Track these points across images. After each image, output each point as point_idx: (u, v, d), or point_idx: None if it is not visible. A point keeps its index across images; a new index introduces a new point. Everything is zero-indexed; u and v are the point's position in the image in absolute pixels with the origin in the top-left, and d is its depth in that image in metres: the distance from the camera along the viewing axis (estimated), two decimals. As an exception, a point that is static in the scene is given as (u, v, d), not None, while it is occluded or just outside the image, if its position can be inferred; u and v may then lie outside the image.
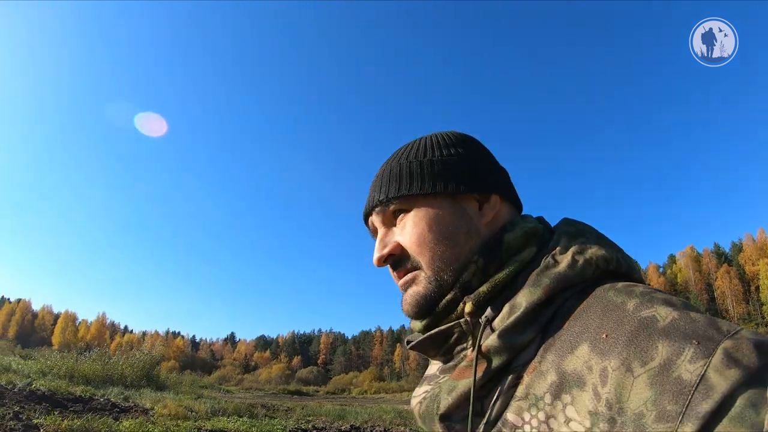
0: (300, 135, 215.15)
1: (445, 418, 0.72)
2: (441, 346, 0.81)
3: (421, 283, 0.81)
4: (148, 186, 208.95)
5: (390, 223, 0.86)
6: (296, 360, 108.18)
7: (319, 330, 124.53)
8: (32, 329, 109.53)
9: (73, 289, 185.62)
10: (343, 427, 13.23)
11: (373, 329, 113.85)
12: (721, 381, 0.49)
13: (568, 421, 0.60)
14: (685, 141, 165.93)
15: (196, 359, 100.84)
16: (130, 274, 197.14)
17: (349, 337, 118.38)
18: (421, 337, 0.81)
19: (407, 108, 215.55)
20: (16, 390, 12.13)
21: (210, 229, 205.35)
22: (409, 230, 0.82)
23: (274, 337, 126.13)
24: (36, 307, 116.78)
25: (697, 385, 0.50)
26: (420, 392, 0.83)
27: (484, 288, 0.75)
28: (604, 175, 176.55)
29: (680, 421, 0.49)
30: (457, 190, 0.81)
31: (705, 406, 0.49)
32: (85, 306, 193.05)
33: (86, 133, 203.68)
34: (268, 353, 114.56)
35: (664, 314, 0.58)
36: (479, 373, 0.70)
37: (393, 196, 0.83)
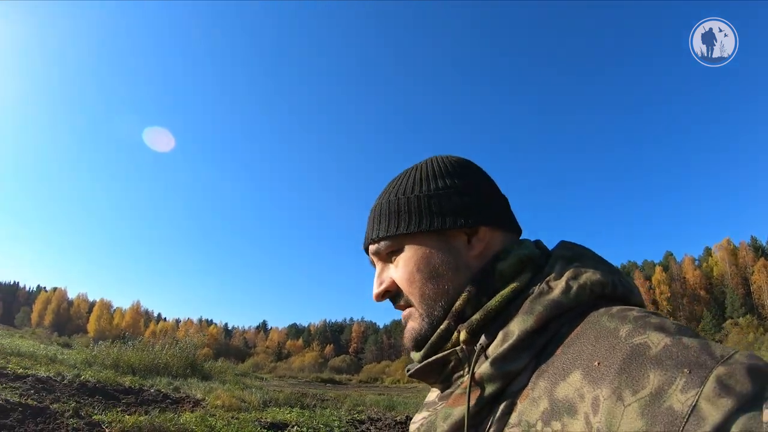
0: (319, 123, 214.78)
1: None
2: (439, 374, 0.82)
3: (416, 320, 0.84)
4: (177, 177, 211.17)
5: (385, 258, 0.89)
6: (328, 348, 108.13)
7: (351, 319, 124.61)
8: (68, 317, 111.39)
9: (107, 278, 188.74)
10: (398, 418, 12.71)
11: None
12: (713, 411, 0.48)
13: None
14: (717, 134, 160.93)
15: (230, 347, 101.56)
16: (163, 263, 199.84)
17: (381, 327, 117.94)
18: (419, 365, 0.83)
19: (408, 88, 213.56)
20: (65, 382, 11.84)
21: (239, 217, 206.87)
22: (400, 269, 0.85)
23: (306, 326, 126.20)
24: (71, 295, 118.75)
25: (689, 416, 0.49)
26: (418, 418, 0.85)
27: (477, 316, 0.76)
28: (636, 168, 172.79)
29: None
30: (443, 226, 0.83)
31: None
32: (119, 294, 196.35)
33: (116, 129, 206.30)
34: (300, 341, 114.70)
35: (657, 341, 0.57)
36: (473, 401, 0.71)
37: (383, 236, 0.86)
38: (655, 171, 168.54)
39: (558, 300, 0.71)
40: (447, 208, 0.83)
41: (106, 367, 16.98)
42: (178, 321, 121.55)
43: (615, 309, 0.68)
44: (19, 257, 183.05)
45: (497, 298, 0.76)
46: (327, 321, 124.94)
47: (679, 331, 0.59)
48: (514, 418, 0.67)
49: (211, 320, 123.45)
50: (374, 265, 0.92)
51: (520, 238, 0.91)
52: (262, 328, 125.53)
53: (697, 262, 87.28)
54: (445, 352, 0.79)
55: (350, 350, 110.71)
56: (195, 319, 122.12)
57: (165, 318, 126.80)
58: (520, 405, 0.67)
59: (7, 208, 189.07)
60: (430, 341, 0.81)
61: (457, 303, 0.79)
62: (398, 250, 0.86)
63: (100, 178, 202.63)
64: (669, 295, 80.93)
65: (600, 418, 0.55)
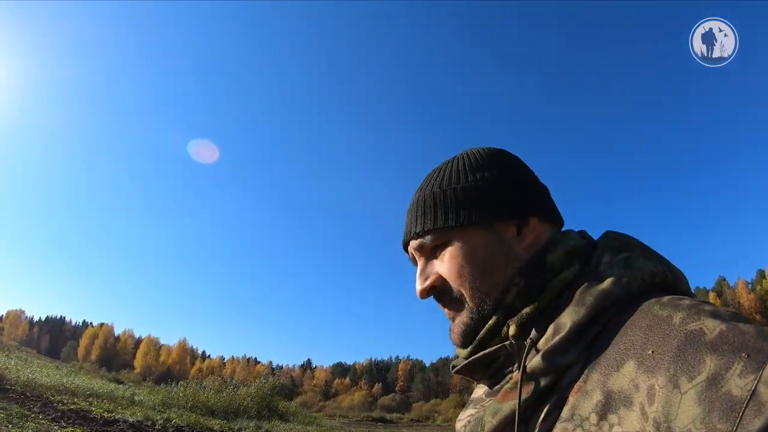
0: (365, 153, 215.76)
1: None
2: (487, 369, 0.82)
3: (464, 314, 0.82)
4: (217, 214, 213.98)
5: (429, 253, 0.86)
6: (377, 387, 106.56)
7: (397, 357, 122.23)
8: (115, 352, 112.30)
9: (150, 314, 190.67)
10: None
11: (452, 356, 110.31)
12: None
13: None
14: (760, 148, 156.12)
15: (277, 385, 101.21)
16: (205, 300, 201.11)
17: (428, 365, 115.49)
18: (466, 361, 0.82)
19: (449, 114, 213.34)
20: (158, 427, 11.33)
21: (279, 255, 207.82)
22: (448, 263, 0.82)
23: (351, 364, 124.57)
24: (117, 331, 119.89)
25: (748, 401, 0.49)
26: (465, 415, 0.85)
27: (527, 310, 0.75)
28: (679, 187, 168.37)
29: None
30: (493, 218, 0.81)
31: (757, 424, 0.47)
32: (161, 331, 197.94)
33: (153, 162, 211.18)
34: (348, 380, 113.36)
35: (712, 326, 0.57)
36: (524, 395, 0.70)
37: (429, 229, 0.83)
38: (696, 198, 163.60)
39: (609, 291, 0.70)
40: (497, 198, 0.82)
41: (185, 409, 16.67)
42: (223, 359, 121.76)
43: (666, 298, 0.67)
44: (65, 292, 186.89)
45: (548, 291, 0.75)
46: (372, 359, 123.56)
47: (734, 318, 0.59)
48: (566, 412, 0.66)
49: (256, 358, 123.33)
50: (414, 263, 0.89)
51: (563, 228, 0.89)
52: (307, 366, 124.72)
53: (750, 286, 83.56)
54: (495, 347, 0.78)
55: (397, 388, 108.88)
56: (238, 356, 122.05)
57: (209, 355, 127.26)
58: (572, 398, 0.66)
59: (54, 243, 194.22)
60: (478, 336, 0.80)
61: (508, 297, 0.78)
62: (444, 244, 0.83)
63: (142, 217, 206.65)
64: (725, 321, 77.94)
65: (657, 408, 0.55)
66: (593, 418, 0.61)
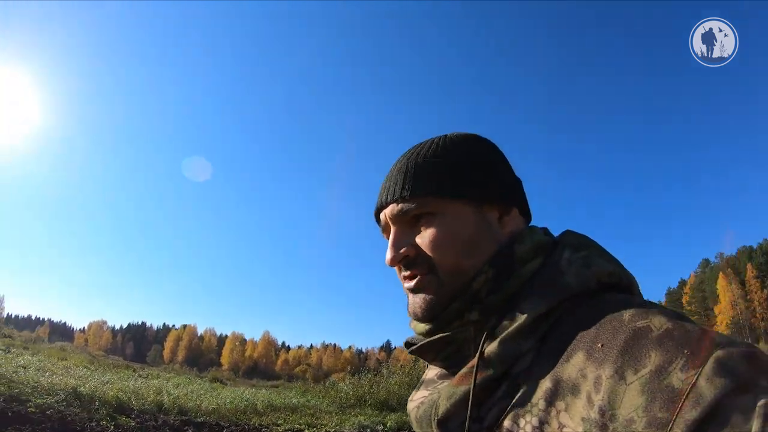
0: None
1: (442, 423, 0.74)
2: (439, 352, 0.81)
3: (432, 289, 0.80)
4: (280, 206, 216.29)
5: (407, 221, 0.83)
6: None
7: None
8: (200, 352, 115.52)
9: (225, 312, 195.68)
10: None
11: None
12: (710, 389, 0.50)
13: (561, 427, 0.61)
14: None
15: (366, 368, 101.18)
16: (275, 292, 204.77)
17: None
18: (423, 341, 0.82)
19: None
20: None
21: (341, 237, 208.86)
22: (432, 234, 0.80)
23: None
24: (199, 331, 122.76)
25: (688, 393, 0.51)
26: (418, 396, 0.85)
27: (493, 297, 0.76)
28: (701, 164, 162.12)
29: (670, 429, 0.51)
30: (484, 199, 0.81)
31: (694, 414, 0.50)
32: (241, 327, 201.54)
33: (216, 162, 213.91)
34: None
35: (659, 324, 0.59)
36: (479, 380, 0.71)
37: (419, 194, 0.80)
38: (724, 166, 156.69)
39: (568, 286, 0.72)
40: (488, 182, 0.82)
41: (362, 406, 16.83)
42: (306, 348, 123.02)
43: (620, 296, 0.71)
44: (143, 299, 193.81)
45: (512, 281, 0.76)
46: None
47: (680, 318, 0.61)
48: (517, 398, 0.68)
49: (335, 344, 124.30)
50: (385, 231, 0.88)
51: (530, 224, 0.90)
52: (386, 347, 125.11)
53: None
54: (454, 331, 0.78)
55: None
56: (316, 344, 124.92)
57: (289, 346, 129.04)
58: (524, 385, 0.68)
59: (124, 252, 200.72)
60: (441, 317, 0.79)
61: (476, 282, 0.77)
62: (430, 214, 0.80)
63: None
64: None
65: (602, 396, 0.57)
66: (542, 404, 0.64)
